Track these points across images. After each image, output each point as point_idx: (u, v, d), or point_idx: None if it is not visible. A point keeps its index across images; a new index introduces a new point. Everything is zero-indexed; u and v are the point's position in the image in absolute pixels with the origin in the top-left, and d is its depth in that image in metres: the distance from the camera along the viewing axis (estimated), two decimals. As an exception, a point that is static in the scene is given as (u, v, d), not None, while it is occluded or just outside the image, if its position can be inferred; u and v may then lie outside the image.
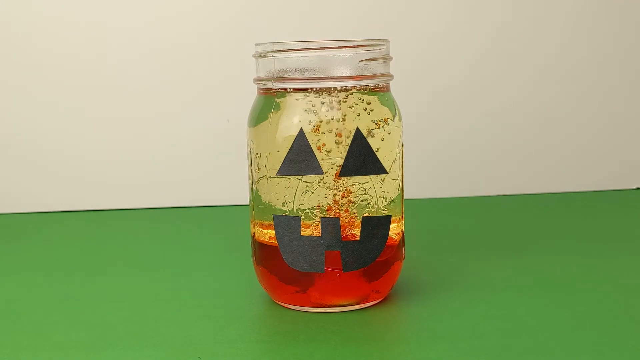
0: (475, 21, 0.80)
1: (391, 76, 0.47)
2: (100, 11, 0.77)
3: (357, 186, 0.45)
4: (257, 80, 0.47)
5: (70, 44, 0.77)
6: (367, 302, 0.47)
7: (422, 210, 0.75)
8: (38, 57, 0.77)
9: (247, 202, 0.51)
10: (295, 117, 0.45)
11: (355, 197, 0.45)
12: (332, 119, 0.44)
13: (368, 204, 0.46)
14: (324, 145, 0.44)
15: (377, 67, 0.46)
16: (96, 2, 0.77)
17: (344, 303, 0.47)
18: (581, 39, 0.81)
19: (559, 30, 0.81)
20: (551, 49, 0.81)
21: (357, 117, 0.45)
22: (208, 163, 0.80)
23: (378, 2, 0.79)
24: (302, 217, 0.45)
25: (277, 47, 0.46)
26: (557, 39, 0.81)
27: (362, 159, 0.45)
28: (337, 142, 0.44)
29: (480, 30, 0.80)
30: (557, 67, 0.82)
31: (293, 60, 0.45)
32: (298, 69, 0.45)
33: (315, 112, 0.44)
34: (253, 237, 0.48)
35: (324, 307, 0.47)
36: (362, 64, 0.46)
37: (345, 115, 0.44)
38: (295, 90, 0.45)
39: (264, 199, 0.46)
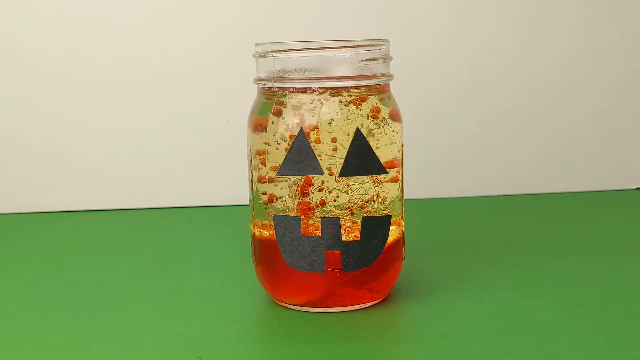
0: (475, 21, 0.80)
1: (391, 76, 0.47)
2: (98, 12, 0.77)
3: (357, 186, 0.45)
4: (257, 80, 0.47)
5: (69, 45, 0.77)
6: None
7: (422, 210, 0.75)
8: (38, 59, 0.77)
9: (247, 202, 0.51)
10: (295, 117, 0.45)
11: (355, 197, 0.45)
12: (332, 119, 0.44)
13: (368, 204, 0.46)
14: (323, 145, 0.44)
15: (377, 67, 0.46)
16: (94, 3, 0.77)
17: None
18: (582, 40, 0.81)
19: (559, 32, 0.81)
20: (552, 50, 0.81)
21: (357, 117, 0.45)
22: (208, 163, 0.80)
23: (378, 2, 0.79)
24: (302, 217, 0.45)
25: (277, 47, 0.46)
26: (558, 39, 0.81)
27: (362, 158, 0.45)
28: (336, 142, 0.44)
29: (480, 31, 0.80)
30: (557, 68, 0.82)
31: (293, 60, 0.45)
32: (298, 69, 0.45)
33: (315, 112, 0.44)
34: (253, 237, 0.49)
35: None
36: (362, 64, 0.46)
37: (345, 115, 0.44)
38: (295, 90, 0.45)
39: (264, 198, 0.46)
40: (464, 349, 0.41)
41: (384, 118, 0.46)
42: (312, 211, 0.45)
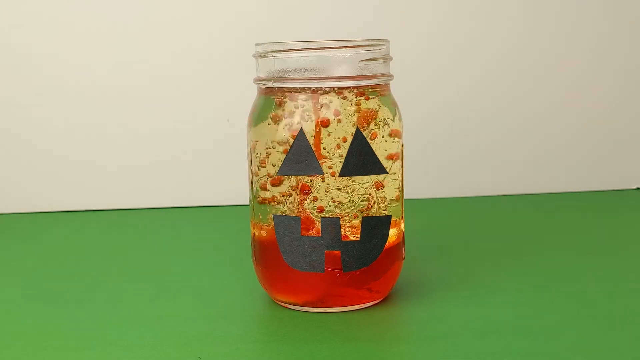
0: (475, 22, 0.80)
1: (391, 76, 0.47)
2: (99, 12, 0.77)
3: (357, 186, 0.45)
4: (257, 80, 0.47)
5: (69, 45, 0.77)
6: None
7: (422, 210, 0.75)
8: (38, 60, 0.77)
9: (247, 202, 0.51)
10: (295, 117, 0.45)
11: (354, 197, 0.45)
12: (332, 119, 0.44)
13: (368, 204, 0.45)
14: (323, 146, 0.44)
15: (377, 67, 0.46)
16: (95, 3, 0.77)
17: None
18: (582, 42, 0.81)
19: (560, 33, 0.81)
20: (552, 51, 0.81)
21: (356, 117, 0.45)
22: (208, 163, 0.80)
23: (378, 2, 0.79)
24: (302, 217, 0.45)
25: (277, 47, 0.46)
26: (558, 41, 0.81)
27: (362, 159, 0.45)
28: (336, 143, 0.44)
29: (480, 31, 0.80)
30: (557, 69, 0.82)
31: (293, 60, 0.45)
32: (298, 69, 0.45)
33: (315, 112, 0.44)
34: (253, 237, 0.49)
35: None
36: (362, 64, 0.46)
37: (345, 115, 0.44)
38: (296, 90, 0.45)
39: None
40: (464, 349, 0.41)
41: (385, 118, 0.46)
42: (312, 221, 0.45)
